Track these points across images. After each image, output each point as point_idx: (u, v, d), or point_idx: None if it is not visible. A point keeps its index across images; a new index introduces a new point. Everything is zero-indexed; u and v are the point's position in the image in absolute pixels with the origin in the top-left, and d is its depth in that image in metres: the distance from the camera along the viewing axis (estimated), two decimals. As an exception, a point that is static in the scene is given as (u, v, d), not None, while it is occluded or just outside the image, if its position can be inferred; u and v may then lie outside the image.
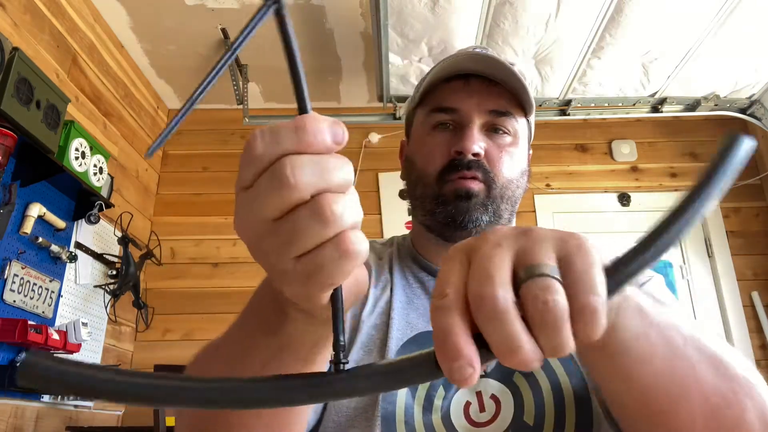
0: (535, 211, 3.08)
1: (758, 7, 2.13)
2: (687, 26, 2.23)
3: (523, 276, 0.29)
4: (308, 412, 0.64)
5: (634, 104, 2.80)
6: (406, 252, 0.83)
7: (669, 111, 2.82)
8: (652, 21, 2.20)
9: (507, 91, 0.76)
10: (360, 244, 0.29)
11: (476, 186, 0.73)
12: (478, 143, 0.73)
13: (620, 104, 2.81)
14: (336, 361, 0.30)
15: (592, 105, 2.83)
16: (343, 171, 0.29)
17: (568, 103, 2.80)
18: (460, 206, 0.72)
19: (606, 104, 2.82)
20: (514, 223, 0.82)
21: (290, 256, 0.29)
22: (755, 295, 2.90)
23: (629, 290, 0.39)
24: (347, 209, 0.28)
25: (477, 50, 0.80)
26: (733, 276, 2.94)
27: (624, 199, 3.13)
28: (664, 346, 0.41)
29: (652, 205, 3.12)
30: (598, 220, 3.10)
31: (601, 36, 2.29)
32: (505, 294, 0.28)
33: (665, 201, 3.12)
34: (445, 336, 0.28)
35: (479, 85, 0.76)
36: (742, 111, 2.80)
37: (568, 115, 2.86)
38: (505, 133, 0.76)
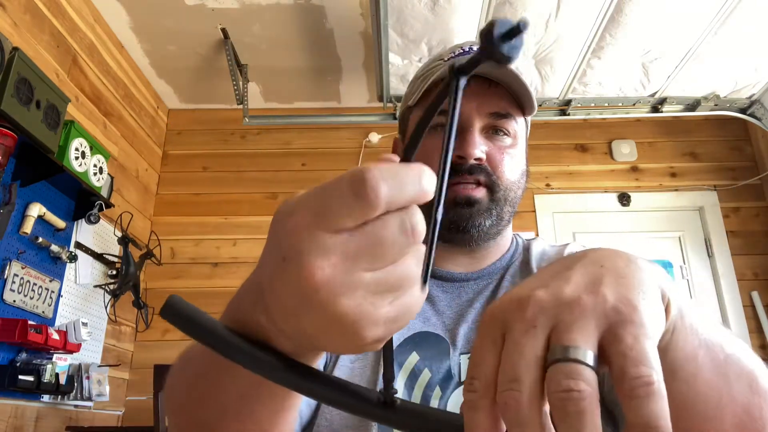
0: (535, 211, 3.08)
1: (758, 7, 2.13)
2: (687, 26, 2.23)
3: (551, 358, 0.28)
4: (301, 406, 0.64)
5: (634, 104, 2.80)
6: None
7: (669, 111, 2.82)
8: (652, 21, 2.20)
9: (507, 92, 0.75)
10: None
11: (478, 192, 0.72)
12: (479, 147, 0.72)
13: (620, 104, 2.81)
14: (386, 398, 0.31)
15: (592, 105, 2.83)
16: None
17: (568, 103, 2.80)
18: (462, 213, 0.72)
19: (606, 104, 2.82)
20: (511, 225, 0.81)
21: (389, 301, 0.29)
22: (755, 295, 2.90)
23: (685, 307, 0.38)
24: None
25: (474, 48, 0.78)
26: (733, 276, 2.94)
27: (624, 199, 3.13)
28: (709, 366, 0.40)
29: (652, 205, 3.12)
30: (598, 220, 3.10)
31: (601, 36, 2.29)
32: (531, 399, 0.27)
33: (665, 201, 3.12)
34: None
35: (479, 86, 0.74)
36: (742, 111, 2.80)
37: (568, 115, 2.86)
38: (505, 134, 0.75)
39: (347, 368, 0.69)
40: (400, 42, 2.36)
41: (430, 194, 0.29)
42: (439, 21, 2.22)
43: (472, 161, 0.72)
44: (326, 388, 0.32)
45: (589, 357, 0.27)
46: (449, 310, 0.75)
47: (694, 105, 2.77)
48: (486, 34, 0.26)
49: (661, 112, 2.82)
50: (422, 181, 0.29)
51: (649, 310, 0.30)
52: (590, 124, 3.29)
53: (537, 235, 2.70)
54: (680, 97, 2.75)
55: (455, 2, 2.12)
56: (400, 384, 0.68)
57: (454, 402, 0.67)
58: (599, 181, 3.19)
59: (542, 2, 2.11)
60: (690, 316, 0.38)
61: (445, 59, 0.77)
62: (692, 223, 3.10)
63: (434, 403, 0.66)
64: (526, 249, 0.82)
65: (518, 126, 0.77)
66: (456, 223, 0.72)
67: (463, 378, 0.68)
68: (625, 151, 3.22)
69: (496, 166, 0.73)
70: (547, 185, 3.17)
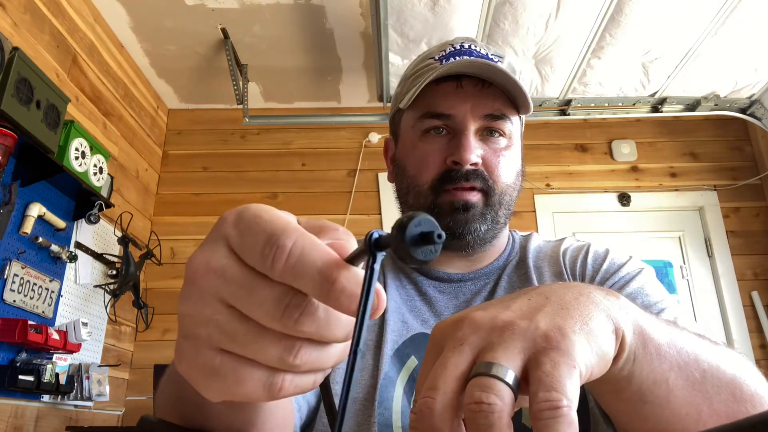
0: (535, 211, 3.08)
1: (758, 7, 2.13)
2: (687, 26, 2.23)
3: (473, 372, 0.28)
4: (300, 402, 0.64)
5: (634, 104, 2.80)
6: None
7: (669, 111, 2.82)
8: (652, 21, 2.20)
9: (501, 91, 0.73)
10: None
11: (474, 197, 0.71)
12: (475, 152, 0.71)
13: (620, 104, 2.81)
14: None
15: (592, 105, 2.83)
16: None
17: (568, 103, 2.80)
18: (458, 218, 0.71)
19: (606, 104, 2.82)
20: (507, 225, 0.80)
21: (220, 347, 0.27)
22: (755, 295, 2.90)
23: (649, 328, 0.38)
24: None
25: (465, 45, 0.76)
26: (733, 276, 2.94)
27: (624, 199, 3.13)
28: (683, 387, 0.39)
29: (652, 205, 3.12)
30: (598, 220, 3.10)
31: (601, 36, 2.29)
32: (444, 408, 0.28)
33: (665, 201, 3.12)
34: None
35: (472, 87, 0.72)
36: (742, 111, 2.80)
37: (568, 115, 2.86)
38: (500, 135, 0.74)
39: (341, 375, 0.68)
40: (400, 42, 2.36)
41: (330, 293, 0.26)
42: (439, 21, 2.22)
43: (468, 167, 0.70)
44: None
45: (509, 375, 0.28)
46: (447, 311, 0.74)
47: (694, 105, 2.77)
48: (398, 230, 0.23)
49: (661, 112, 2.82)
50: (325, 275, 0.26)
51: (583, 339, 0.31)
52: (590, 124, 3.29)
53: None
54: (680, 97, 2.75)
55: (455, 2, 2.12)
56: (399, 388, 0.67)
57: None
58: (599, 181, 3.19)
59: (542, 2, 2.11)
60: (656, 340, 0.38)
61: (435, 57, 0.75)
62: (692, 223, 3.10)
63: None
64: (523, 247, 0.81)
65: (513, 126, 0.75)
66: (452, 228, 0.71)
67: None
68: (625, 151, 3.22)
69: (492, 170, 0.72)
70: (547, 185, 3.17)
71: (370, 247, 0.25)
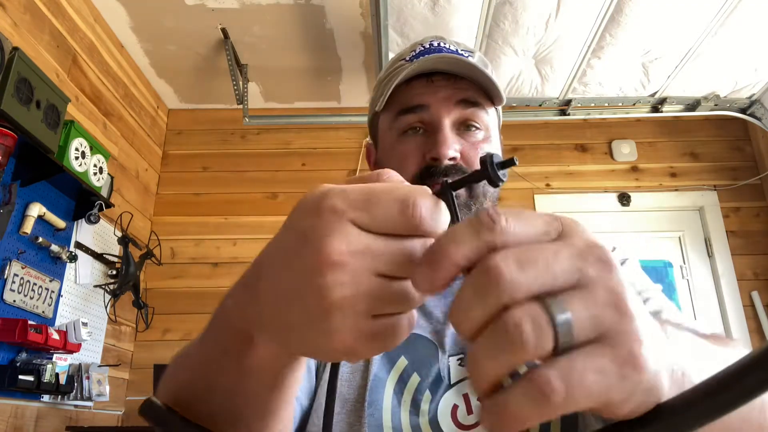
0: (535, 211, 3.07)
1: (758, 7, 2.13)
2: (687, 26, 2.23)
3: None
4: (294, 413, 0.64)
5: (634, 104, 2.80)
6: None
7: (669, 111, 2.82)
8: (652, 21, 2.20)
9: (473, 84, 0.74)
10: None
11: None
12: (453, 147, 0.70)
13: (620, 104, 2.81)
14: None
15: (592, 105, 2.83)
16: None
17: (568, 103, 2.80)
18: None
19: (606, 104, 2.82)
20: None
21: (379, 313, 0.30)
22: (755, 295, 2.90)
23: (693, 372, 0.30)
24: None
25: (434, 43, 0.77)
26: (733, 276, 2.94)
27: (624, 199, 3.13)
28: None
29: (652, 205, 3.12)
30: (598, 220, 3.09)
31: (601, 36, 2.29)
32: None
33: (665, 201, 3.12)
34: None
35: (444, 81, 0.73)
36: (742, 111, 2.80)
37: (568, 115, 2.86)
38: (477, 129, 0.74)
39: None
40: (400, 42, 2.36)
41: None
42: (439, 21, 2.22)
43: (447, 162, 0.70)
44: None
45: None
46: (436, 310, 0.74)
47: (694, 105, 2.77)
48: (488, 163, 0.33)
49: (661, 112, 2.82)
50: (448, 220, 0.31)
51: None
52: (590, 124, 3.29)
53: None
54: (680, 97, 2.75)
55: (455, 2, 2.12)
56: (389, 388, 0.67)
57: (445, 404, 0.66)
58: (599, 181, 3.19)
59: (542, 2, 2.11)
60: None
61: (406, 58, 0.76)
62: (692, 223, 3.10)
63: (425, 406, 0.66)
64: None
65: (489, 117, 0.75)
66: None
67: (452, 381, 0.68)
68: (625, 151, 3.22)
69: (471, 162, 0.72)
70: (547, 185, 3.17)
71: (447, 188, 0.33)
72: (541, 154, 3.20)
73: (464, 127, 0.74)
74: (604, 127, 3.29)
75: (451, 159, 0.70)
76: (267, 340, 0.35)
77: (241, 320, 0.36)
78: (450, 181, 0.33)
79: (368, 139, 0.88)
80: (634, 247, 3.01)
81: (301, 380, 0.46)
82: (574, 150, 3.26)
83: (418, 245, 0.30)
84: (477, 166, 0.72)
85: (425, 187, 0.31)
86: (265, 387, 0.40)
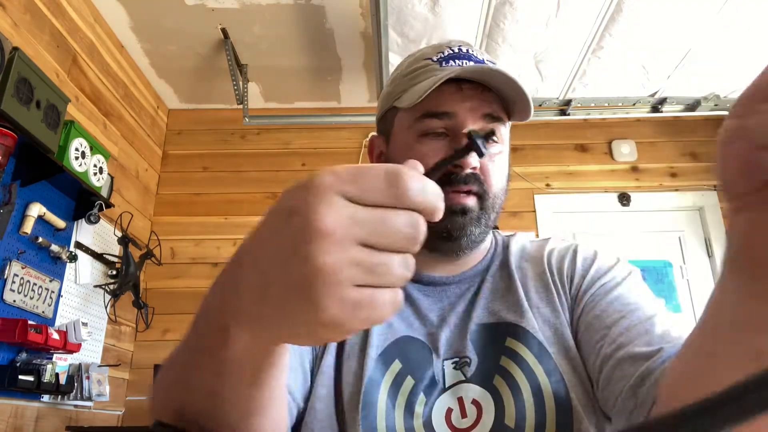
0: (535, 211, 3.08)
1: (758, 8, 2.13)
2: (687, 26, 2.23)
3: None
4: (295, 395, 0.65)
5: (634, 104, 2.80)
6: None
7: (669, 111, 2.82)
8: (652, 21, 2.20)
9: (497, 96, 0.74)
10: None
11: (471, 201, 0.72)
12: (476, 157, 0.71)
13: (620, 104, 2.81)
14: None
15: (592, 105, 2.84)
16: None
17: (568, 103, 2.80)
18: (456, 221, 0.71)
19: (606, 104, 2.82)
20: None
21: (363, 282, 0.31)
22: (755, 295, 2.90)
23: None
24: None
25: (462, 48, 0.76)
26: (733, 276, 2.94)
27: (624, 199, 3.13)
28: None
29: (652, 205, 3.12)
30: (598, 220, 3.10)
31: (601, 36, 2.29)
32: None
33: (665, 201, 3.12)
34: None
35: (472, 91, 0.73)
36: (742, 111, 2.80)
37: (568, 115, 2.86)
38: (496, 142, 0.75)
39: (331, 368, 0.68)
40: (400, 42, 2.36)
41: (440, 211, 0.33)
42: (439, 21, 2.22)
43: (469, 170, 0.71)
44: None
45: None
46: (432, 313, 0.74)
47: (694, 105, 2.77)
48: (473, 137, 0.38)
49: (661, 112, 2.82)
50: (438, 196, 0.33)
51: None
52: (590, 124, 3.29)
53: (537, 235, 2.70)
54: (680, 97, 2.75)
55: (455, 2, 2.12)
56: (383, 392, 0.67)
57: (440, 407, 0.66)
58: (599, 181, 3.19)
59: (542, 2, 2.11)
60: None
61: (434, 59, 0.76)
62: (692, 223, 3.10)
63: (419, 409, 0.66)
64: (506, 247, 0.81)
65: (506, 131, 0.77)
66: (449, 232, 0.72)
67: (447, 384, 0.68)
68: (625, 151, 3.22)
69: (488, 175, 0.73)
70: (547, 185, 3.17)
71: (473, 139, 0.38)
72: (541, 154, 3.20)
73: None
74: (604, 127, 3.29)
75: (472, 168, 0.71)
76: (244, 329, 0.36)
77: (218, 312, 0.37)
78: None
79: (374, 133, 0.88)
80: (634, 247, 3.01)
81: (285, 377, 0.46)
82: (574, 150, 3.26)
83: (403, 217, 0.31)
84: (493, 179, 0.75)
85: (414, 160, 0.34)
86: (243, 384, 0.40)
